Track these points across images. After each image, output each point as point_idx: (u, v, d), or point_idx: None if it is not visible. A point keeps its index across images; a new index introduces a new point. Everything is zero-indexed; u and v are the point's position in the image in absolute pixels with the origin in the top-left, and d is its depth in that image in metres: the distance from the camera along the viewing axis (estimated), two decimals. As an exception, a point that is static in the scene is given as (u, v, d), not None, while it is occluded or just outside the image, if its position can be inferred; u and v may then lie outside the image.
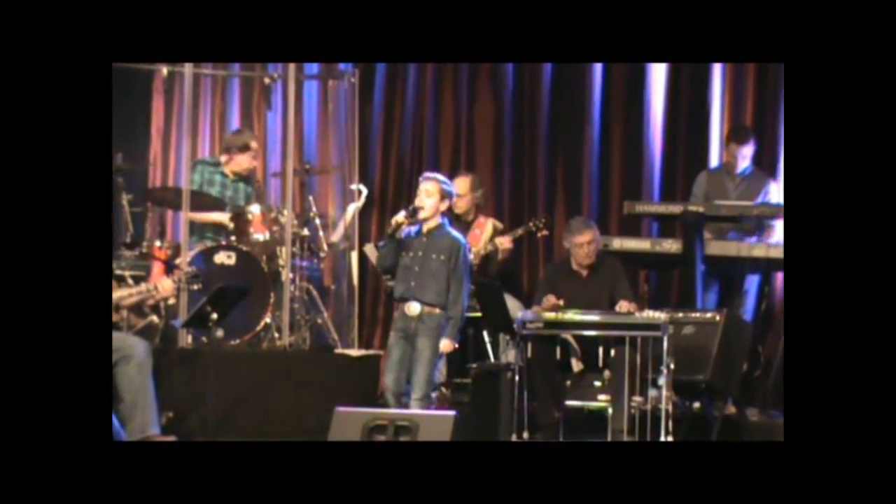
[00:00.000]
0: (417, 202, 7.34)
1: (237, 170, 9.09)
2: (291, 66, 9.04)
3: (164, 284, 7.53)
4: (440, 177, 7.47)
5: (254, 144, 9.14)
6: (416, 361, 7.24)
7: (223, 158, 9.14)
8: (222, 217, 8.84)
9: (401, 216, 7.33)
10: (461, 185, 8.93)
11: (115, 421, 6.99)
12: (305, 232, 9.03)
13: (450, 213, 8.84)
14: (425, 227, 7.36)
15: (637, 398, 7.42)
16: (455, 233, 7.47)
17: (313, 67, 10.04)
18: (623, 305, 7.70)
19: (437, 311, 7.27)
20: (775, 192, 8.88)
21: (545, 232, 8.84)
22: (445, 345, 7.28)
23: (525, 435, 7.41)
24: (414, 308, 7.27)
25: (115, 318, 7.53)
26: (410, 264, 7.33)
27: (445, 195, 7.38)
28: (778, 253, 8.37)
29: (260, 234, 8.85)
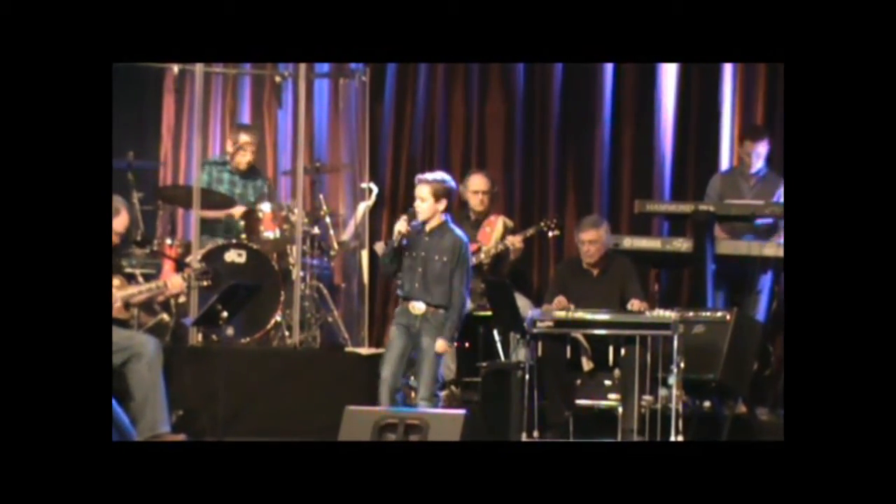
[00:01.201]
0: (416, 206, 7.29)
1: (237, 165, 9.12)
2: (302, 65, 9.05)
3: (173, 281, 7.56)
4: (431, 176, 7.32)
5: (244, 139, 9.14)
6: (421, 361, 7.21)
7: (228, 157, 9.17)
8: (234, 212, 8.87)
9: (402, 226, 7.26)
10: (480, 182, 8.93)
11: (126, 419, 7.00)
12: (316, 230, 9.03)
13: (463, 210, 8.88)
14: (427, 227, 7.29)
15: (647, 397, 7.42)
16: (458, 231, 7.38)
17: (324, 66, 10.03)
18: (635, 304, 7.70)
19: (442, 310, 7.26)
20: (788, 194, 8.86)
21: (556, 232, 8.82)
22: (441, 345, 7.23)
23: (535, 433, 7.41)
24: (419, 307, 7.25)
25: (125, 315, 7.55)
26: (413, 265, 7.27)
27: (441, 194, 7.26)
28: (790, 252, 8.35)
29: (270, 232, 8.87)
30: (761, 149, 8.88)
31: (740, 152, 9.07)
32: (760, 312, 8.67)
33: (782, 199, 8.76)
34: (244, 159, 9.13)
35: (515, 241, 8.70)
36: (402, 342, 7.26)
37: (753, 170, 8.92)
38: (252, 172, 9.25)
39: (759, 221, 8.73)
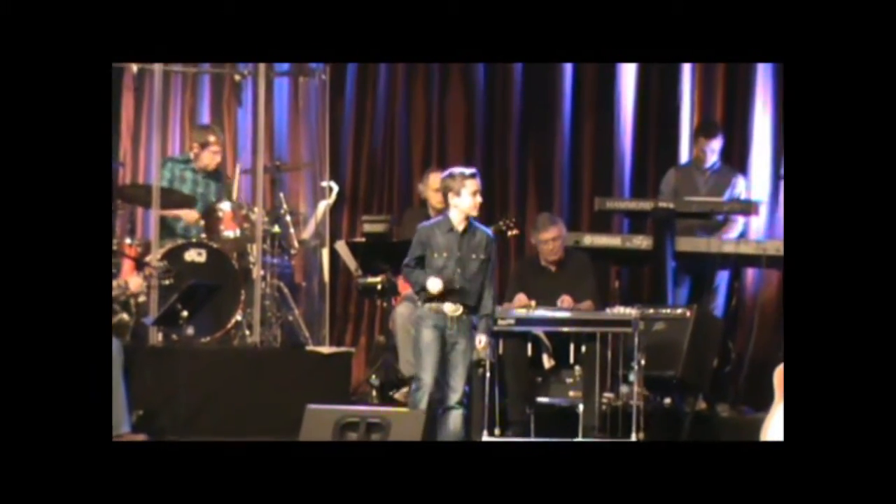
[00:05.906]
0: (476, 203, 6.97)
1: (205, 166, 9.08)
2: (262, 63, 9.01)
3: (133, 280, 7.56)
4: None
5: (213, 139, 9.10)
6: (457, 363, 6.89)
7: (192, 155, 9.13)
8: (192, 213, 8.83)
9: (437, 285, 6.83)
10: (435, 179, 8.94)
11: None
12: (276, 229, 9.00)
13: (423, 207, 8.89)
14: (461, 226, 6.94)
15: (608, 394, 7.44)
16: (483, 227, 7.13)
17: (284, 64, 9.99)
18: (566, 300, 7.76)
19: (469, 310, 6.95)
20: (742, 186, 8.97)
21: (515, 231, 8.83)
22: (486, 343, 7.01)
23: (496, 431, 7.41)
24: (456, 309, 6.88)
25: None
26: (445, 265, 6.88)
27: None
28: (748, 249, 8.44)
29: (230, 232, 8.84)
30: (715, 145, 9.00)
31: (695, 148, 9.15)
32: (718, 309, 8.74)
33: (736, 192, 8.87)
34: (214, 160, 9.10)
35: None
36: (439, 345, 6.89)
37: (707, 164, 9.01)
38: (216, 173, 9.22)
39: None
